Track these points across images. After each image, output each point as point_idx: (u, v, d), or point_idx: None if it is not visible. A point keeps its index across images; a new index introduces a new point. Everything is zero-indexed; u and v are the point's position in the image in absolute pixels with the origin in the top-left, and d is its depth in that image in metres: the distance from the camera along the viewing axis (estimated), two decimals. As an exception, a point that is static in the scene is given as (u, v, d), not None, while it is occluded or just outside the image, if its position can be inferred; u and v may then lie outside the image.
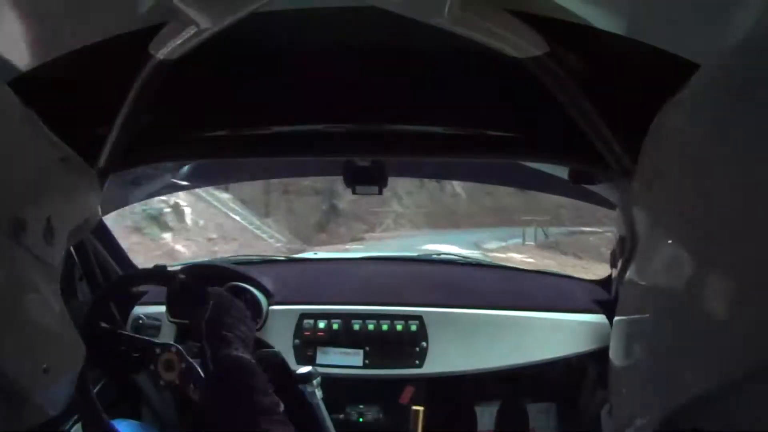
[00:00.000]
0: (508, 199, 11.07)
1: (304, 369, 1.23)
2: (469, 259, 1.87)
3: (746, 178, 0.31)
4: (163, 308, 1.45)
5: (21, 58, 0.74)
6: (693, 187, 0.35)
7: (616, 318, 0.59)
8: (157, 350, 1.03)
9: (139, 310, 1.50)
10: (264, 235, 10.16)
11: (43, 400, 0.86)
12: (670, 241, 0.36)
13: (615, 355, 0.46)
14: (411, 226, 12.06)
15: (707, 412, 0.30)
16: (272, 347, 1.37)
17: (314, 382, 1.21)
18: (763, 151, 0.30)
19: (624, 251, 0.66)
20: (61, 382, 0.90)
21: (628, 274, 0.54)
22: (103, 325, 1.10)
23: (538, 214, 10.07)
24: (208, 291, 1.04)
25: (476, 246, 8.85)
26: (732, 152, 0.32)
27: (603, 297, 1.48)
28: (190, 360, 1.01)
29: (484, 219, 11.95)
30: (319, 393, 1.23)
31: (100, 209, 0.99)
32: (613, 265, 1.17)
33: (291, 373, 1.37)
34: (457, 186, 11.44)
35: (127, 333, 1.22)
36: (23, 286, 0.80)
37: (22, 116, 0.78)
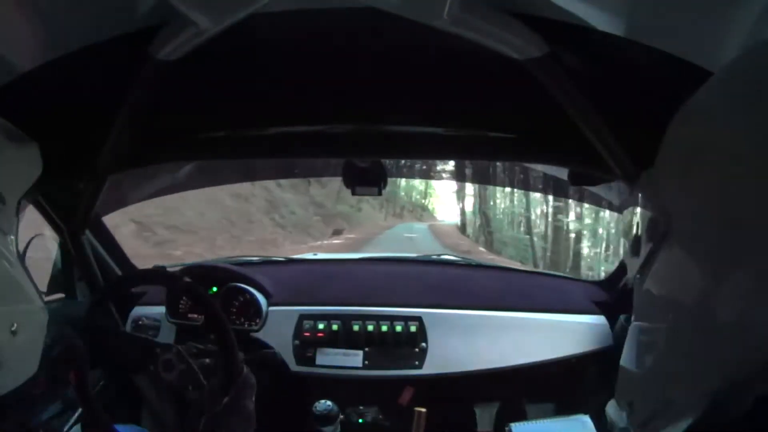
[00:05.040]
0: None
1: (323, 405, 1.21)
2: (468, 260, 1.87)
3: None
4: (162, 308, 1.45)
5: (21, 58, 0.74)
6: (715, 190, 0.35)
7: (635, 315, 0.59)
8: (158, 350, 1.03)
9: (139, 310, 1.50)
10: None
11: (14, 362, 0.87)
12: (690, 242, 0.37)
13: (629, 352, 0.46)
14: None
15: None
16: (272, 348, 1.38)
17: (337, 422, 1.22)
18: None
19: (640, 252, 0.66)
20: (28, 344, 0.92)
21: (645, 272, 0.54)
22: (105, 321, 1.09)
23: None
24: (238, 374, 1.01)
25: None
26: (754, 153, 0.32)
27: (602, 298, 1.48)
28: (190, 361, 1.01)
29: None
30: None
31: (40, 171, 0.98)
32: (625, 268, 1.16)
33: (290, 375, 1.38)
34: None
35: (128, 332, 1.22)
36: None
37: None
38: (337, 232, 12.75)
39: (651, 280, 0.43)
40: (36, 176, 0.95)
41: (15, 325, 0.86)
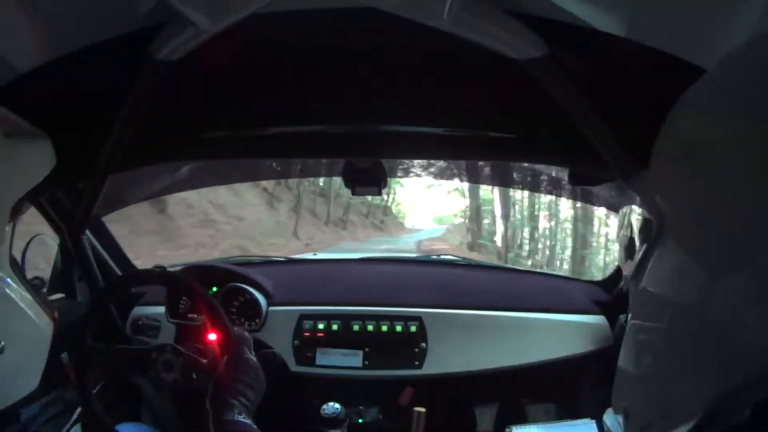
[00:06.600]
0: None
1: (331, 408, 1.21)
2: (468, 261, 1.88)
3: (759, 176, 0.31)
4: (162, 308, 1.45)
5: (21, 58, 0.74)
6: (708, 188, 0.35)
7: (631, 317, 0.59)
8: (154, 354, 1.02)
9: (139, 310, 1.50)
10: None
11: (4, 381, 0.83)
12: (685, 242, 0.36)
13: (625, 355, 0.46)
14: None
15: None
16: (272, 348, 1.38)
17: (345, 425, 1.22)
18: None
19: (635, 252, 0.65)
20: (22, 362, 0.88)
21: (640, 273, 0.53)
22: (95, 345, 1.07)
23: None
24: (230, 332, 0.99)
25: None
26: (747, 150, 0.32)
27: (602, 298, 1.48)
28: (187, 352, 1.00)
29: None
30: None
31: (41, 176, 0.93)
32: (623, 265, 1.16)
33: (290, 375, 1.38)
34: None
35: (119, 347, 1.21)
36: None
37: None
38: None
39: (646, 281, 0.43)
40: (37, 180, 0.93)
41: (2, 342, 0.81)
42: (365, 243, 12.57)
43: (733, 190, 0.32)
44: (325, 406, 1.24)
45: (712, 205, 0.34)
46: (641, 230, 0.48)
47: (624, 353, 0.56)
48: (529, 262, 11.35)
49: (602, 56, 0.78)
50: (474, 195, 14.12)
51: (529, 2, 0.71)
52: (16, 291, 0.89)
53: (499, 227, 13.00)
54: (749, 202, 0.31)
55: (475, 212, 14.39)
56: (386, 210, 17.64)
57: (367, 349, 1.39)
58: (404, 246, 11.72)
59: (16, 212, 0.92)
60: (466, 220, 15.37)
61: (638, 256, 0.49)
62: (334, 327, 1.41)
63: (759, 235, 0.29)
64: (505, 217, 12.64)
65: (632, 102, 0.83)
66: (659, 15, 0.63)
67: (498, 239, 12.91)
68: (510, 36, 0.75)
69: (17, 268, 0.94)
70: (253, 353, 0.99)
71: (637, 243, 0.54)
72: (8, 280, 0.89)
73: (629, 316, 0.67)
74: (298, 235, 10.71)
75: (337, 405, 1.23)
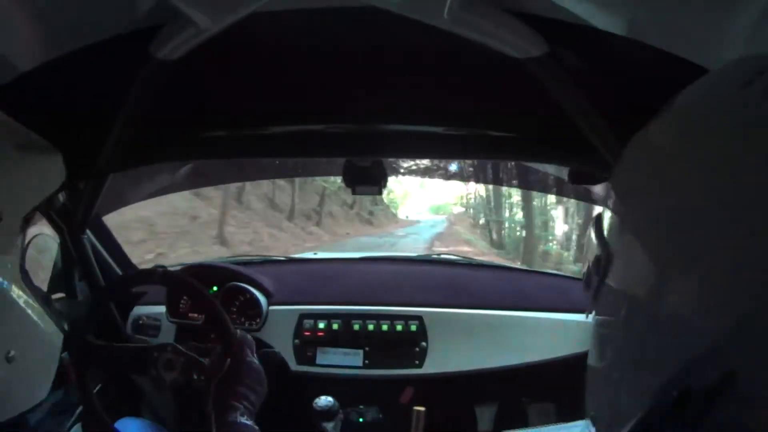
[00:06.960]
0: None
1: (324, 400, 1.21)
2: (469, 260, 1.87)
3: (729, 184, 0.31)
4: (163, 308, 1.46)
5: (20, 57, 0.74)
6: (669, 194, 0.35)
7: (593, 323, 0.59)
8: (155, 353, 1.02)
9: (139, 310, 1.50)
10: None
11: (12, 390, 0.83)
12: (639, 247, 0.37)
13: (592, 360, 0.46)
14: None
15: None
16: (272, 347, 1.38)
17: (338, 418, 1.23)
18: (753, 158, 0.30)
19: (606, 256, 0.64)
20: (31, 372, 0.88)
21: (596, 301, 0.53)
22: (97, 342, 1.07)
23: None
24: (231, 333, 0.98)
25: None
26: (716, 161, 0.32)
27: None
28: (188, 352, 1.00)
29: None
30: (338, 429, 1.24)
31: (54, 187, 0.93)
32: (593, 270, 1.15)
33: (290, 374, 1.38)
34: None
35: (120, 345, 1.21)
36: None
37: None
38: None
39: (608, 285, 0.42)
40: (48, 193, 0.92)
41: (12, 351, 0.82)
42: (337, 248, 8.44)
43: (696, 196, 0.32)
44: (318, 400, 1.24)
45: (674, 210, 0.33)
46: (608, 231, 0.47)
47: (589, 360, 0.56)
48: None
49: (603, 55, 0.78)
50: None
51: (530, 1, 0.71)
52: (27, 302, 0.90)
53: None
54: (713, 210, 0.31)
55: (525, 202, 9.87)
56: (376, 199, 14.30)
57: (367, 349, 1.39)
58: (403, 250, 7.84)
59: (26, 224, 0.92)
60: (477, 212, 11.43)
61: (593, 285, 0.48)
62: (335, 326, 1.41)
63: (723, 256, 0.29)
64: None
65: (633, 101, 0.83)
66: (660, 13, 0.63)
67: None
68: (510, 35, 0.75)
69: (28, 280, 0.94)
70: (256, 355, 1.00)
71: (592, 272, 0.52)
72: (20, 291, 0.89)
73: (592, 324, 0.66)
74: (227, 239, 7.30)
75: (329, 398, 1.23)
